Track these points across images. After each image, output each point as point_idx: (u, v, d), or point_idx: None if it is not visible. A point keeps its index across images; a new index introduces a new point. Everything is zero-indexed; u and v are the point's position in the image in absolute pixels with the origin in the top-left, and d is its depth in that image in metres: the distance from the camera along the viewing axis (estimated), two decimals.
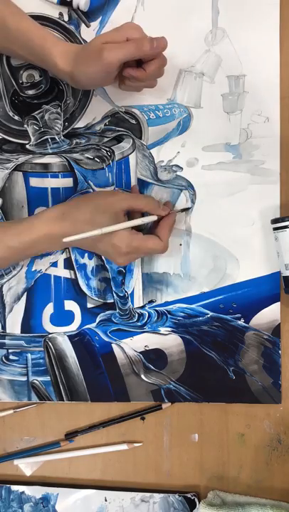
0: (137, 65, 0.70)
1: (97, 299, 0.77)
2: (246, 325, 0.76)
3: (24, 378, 0.77)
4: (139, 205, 0.70)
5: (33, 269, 0.77)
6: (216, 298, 0.76)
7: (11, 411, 0.77)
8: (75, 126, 0.78)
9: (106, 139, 0.77)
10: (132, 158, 0.77)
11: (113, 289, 0.77)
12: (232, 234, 0.76)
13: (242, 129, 0.77)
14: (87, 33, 0.77)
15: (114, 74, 0.69)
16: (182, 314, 0.76)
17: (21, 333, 0.77)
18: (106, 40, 0.66)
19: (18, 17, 0.70)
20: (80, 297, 0.77)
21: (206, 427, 0.76)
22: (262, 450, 0.76)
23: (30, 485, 0.76)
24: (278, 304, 0.76)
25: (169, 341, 0.76)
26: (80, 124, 0.78)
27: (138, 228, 0.71)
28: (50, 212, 0.69)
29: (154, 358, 0.76)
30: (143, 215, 0.72)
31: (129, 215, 0.72)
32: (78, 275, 0.77)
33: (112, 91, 0.76)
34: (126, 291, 0.77)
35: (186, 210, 0.76)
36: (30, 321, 0.77)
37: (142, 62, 0.70)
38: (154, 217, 0.72)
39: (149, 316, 0.77)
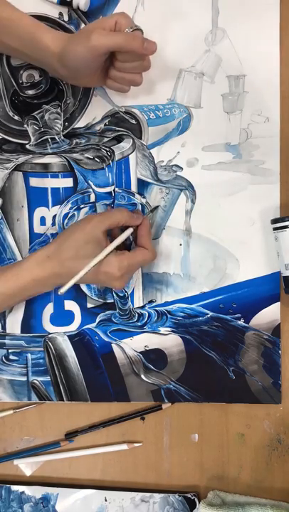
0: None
1: (97, 299, 0.77)
2: (246, 325, 0.76)
3: (24, 378, 0.77)
4: (115, 222, 0.70)
5: None
6: (216, 298, 0.76)
7: (11, 411, 0.77)
8: (75, 126, 0.78)
9: (106, 139, 0.77)
10: (132, 158, 0.77)
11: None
12: (232, 234, 0.76)
13: (242, 129, 0.77)
14: None
15: (100, 61, 0.68)
16: (182, 314, 0.76)
17: (21, 333, 0.77)
18: (98, 25, 0.67)
19: (10, 7, 0.70)
20: (80, 297, 0.77)
21: (206, 427, 0.76)
22: (262, 450, 0.76)
23: (30, 485, 0.76)
24: (278, 304, 0.76)
25: (169, 341, 0.76)
26: (80, 124, 0.78)
27: (122, 245, 0.72)
28: (35, 256, 0.69)
29: (154, 358, 0.76)
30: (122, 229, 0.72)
31: (110, 233, 0.72)
32: None
33: (112, 91, 0.76)
34: (126, 291, 0.77)
35: (154, 209, 0.76)
36: (30, 321, 0.77)
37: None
38: (130, 230, 0.72)
39: (149, 316, 0.77)
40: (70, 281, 0.67)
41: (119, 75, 0.71)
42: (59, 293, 0.67)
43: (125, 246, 0.73)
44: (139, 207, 0.77)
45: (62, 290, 0.67)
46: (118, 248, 0.70)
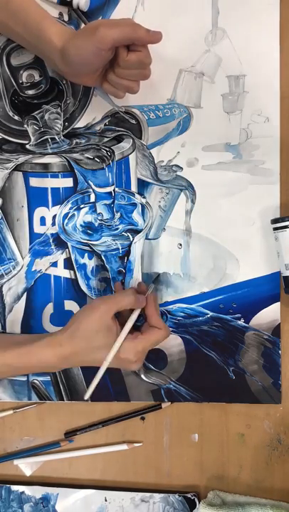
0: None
1: None
2: (246, 325, 0.76)
3: (24, 378, 0.77)
4: (122, 307, 0.69)
5: (33, 269, 0.77)
6: (216, 298, 0.76)
7: (11, 411, 0.77)
8: (75, 126, 0.78)
9: (106, 139, 0.77)
10: (132, 158, 0.77)
11: (113, 289, 0.77)
12: (232, 234, 0.76)
13: (242, 129, 0.77)
14: None
15: (104, 56, 0.67)
16: (182, 314, 0.76)
17: (21, 333, 0.77)
18: (104, 21, 0.68)
19: None
20: (80, 297, 0.77)
21: (206, 427, 0.76)
22: (262, 450, 0.76)
23: (30, 485, 0.76)
24: (278, 304, 0.76)
25: (169, 341, 0.76)
26: (80, 124, 0.78)
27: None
28: (49, 341, 0.68)
29: (154, 358, 0.76)
30: None
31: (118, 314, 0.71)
32: (78, 275, 0.77)
33: None
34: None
35: (156, 279, 0.76)
36: (30, 321, 0.77)
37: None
38: (137, 312, 0.70)
39: None
40: (92, 385, 0.68)
41: (117, 80, 0.70)
42: (85, 398, 0.68)
43: (135, 325, 0.71)
44: (139, 207, 0.77)
45: (87, 396, 0.68)
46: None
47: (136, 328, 0.71)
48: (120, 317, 0.70)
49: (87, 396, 0.69)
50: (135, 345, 0.68)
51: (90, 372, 0.75)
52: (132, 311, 0.70)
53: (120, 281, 0.77)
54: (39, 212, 0.77)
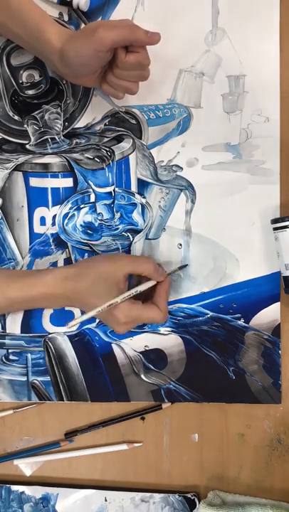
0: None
1: None
2: (246, 325, 0.76)
3: (24, 378, 0.77)
4: (139, 270, 0.70)
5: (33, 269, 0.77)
6: (216, 298, 0.76)
7: (11, 411, 0.77)
8: (75, 126, 0.78)
9: (106, 139, 0.77)
10: (132, 158, 0.77)
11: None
12: (232, 234, 0.76)
13: (242, 129, 0.77)
14: None
15: (103, 57, 0.67)
16: (182, 314, 0.76)
17: (21, 333, 0.77)
18: (102, 22, 0.68)
19: None
20: None
21: (206, 427, 0.76)
22: (262, 450, 0.76)
23: (30, 485, 0.76)
24: (278, 304, 0.76)
25: (169, 341, 0.76)
26: (80, 124, 0.78)
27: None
28: (54, 273, 0.70)
29: (154, 358, 0.76)
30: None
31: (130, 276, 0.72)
32: None
33: None
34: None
35: (183, 267, 0.76)
36: (30, 321, 0.77)
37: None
38: (153, 283, 0.71)
39: None
40: (79, 319, 0.68)
41: (116, 81, 0.70)
42: (66, 326, 0.68)
43: (140, 293, 0.71)
44: (139, 207, 0.77)
45: (70, 324, 0.68)
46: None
47: (137, 299, 0.71)
48: (131, 280, 0.71)
49: (69, 325, 0.68)
50: (131, 309, 0.69)
51: (90, 372, 0.76)
52: (143, 279, 0.71)
53: None
54: (39, 212, 0.77)
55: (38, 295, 0.70)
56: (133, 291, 0.69)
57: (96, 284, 0.68)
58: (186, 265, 0.76)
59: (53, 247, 0.77)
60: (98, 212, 0.77)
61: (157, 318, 0.70)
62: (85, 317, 0.68)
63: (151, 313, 0.70)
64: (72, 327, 0.69)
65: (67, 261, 0.77)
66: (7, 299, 0.70)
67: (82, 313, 0.72)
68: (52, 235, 0.77)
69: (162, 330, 0.76)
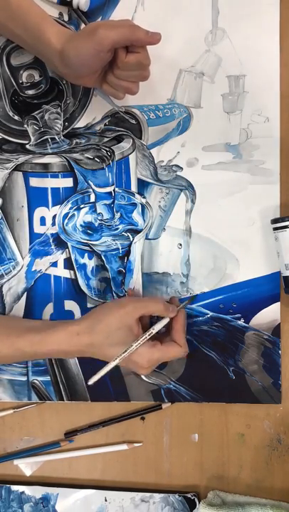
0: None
1: (97, 299, 0.77)
2: (246, 325, 0.76)
3: (24, 378, 0.77)
4: (149, 312, 0.70)
5: (33, 269, 0.77)
6: (216, 298, 0.76)
7: (11, 411, 0.77)
8: (75, 126, 0.78)
9: (106, 139, 0.77)
10: (132, 158, 0.77)
11: (113, 289, 0.77)
12: (232, 234, 0.76)
13: (242, 129, 0.77)
14: None
15: (103, 58, 0.67)
16: None
17: None
18: (103, 22, 0.68)
19: None
20: (80, 297, 0.77)
21: (206, 427, 0.76)
22: (262, 450, 0.76)
23: (30, 485, 0.76)
24: (278, 304, 0.76)
25: None
26: (80, 124, 0.78)
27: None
28: (65, 329, 0.69)
29: None
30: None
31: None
32: (78, 275, 0.77)
33: None
34: (126, 291, 0.77)
35: (193, 297, 0.76)
36: None
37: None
38: (166, 320, 0.71)
39: None
40: (101, 372, 0.68)
41: (116, 82, 0.70)
42: (89, 383, 0.68)
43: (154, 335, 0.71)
44: (139, 207, 0.77)
45: (91, 382, 0.68)
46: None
47: (154, 337, 0.71)
48: (142, 322, 0.71)
49: (91, 382, 0.68)
50: (152, 353, 0.69)
51: (90, 372, 0.75)
52: (155, 318, 0.71)
53: (121, 281, 0.77)
54: (39, 212, 0.77)
55: (51, 352, 0.69)
56: (147, 335, 0.69)
57: (110, 336, 0.68)
58: (196, 295, 0.76)
59: (53, 247, 0.77)
60: (98, 212, 0.77)
61: (179, 355, 0.70)
62: (105, 370, 0.68)
63: (172, 352, 0.70)
64: (94, 381, 0.69)
65: (67, 261, 0.77)
66: (19, 350, 0.69)
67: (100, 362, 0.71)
68: (52, 235, 0.77)
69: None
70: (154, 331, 0.70)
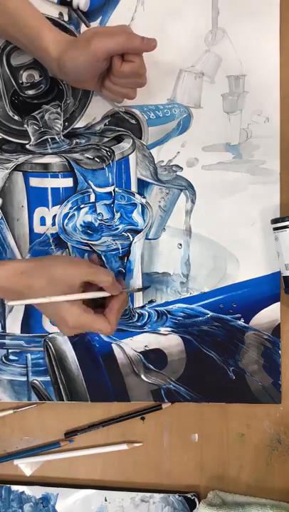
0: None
1: None
2: (246, 325, 0.76)
3: (24, 378, 0.77)
4: (97, 281, 0.69)
5: None
6: (216, 298, 0.76)
7: (11, 411, 0.77)
8: (75, 126, 0.78)
9: (106, 139, 0.77)
10: (132, 158, 0.77)
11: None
12: (232, 234, 0.76)
13: (242, 129, 0.77)
14: None
15: (100, 66, 0.68)
16: (182, 314, 0.76)
17: (21, 333, 0.77)
18: (98, 30, 0.67)
19: None
20: None
21: (206, 427, 0.76)
22: (262, 450, 0.76)
23: (30, 485, 0.76)
24: (278, 304, 0.76)
25: (169, 341, 0.76)
26: (80, 124, 0.78)
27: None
28: (11, 266, 0.68)
29: (154, 358, 0.76)
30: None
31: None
32: None
33: None
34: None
35: (141, 290, 0.75)
36: (30, 321, 0.77)
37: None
38: (105, 294, 0.70)
39: (149, 316, 0.77)
40: (24, 301, 0.67)
41: (113, 88, 0.71)
42: (6, 304, 0.67)
43: (95, 301, 0.71)
44: (139, 207, 0.77)
45: (11, 303, 0.67)
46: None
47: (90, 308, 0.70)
48: (88, 290, 0.69)
49: (10, 303, 0.67)
50: (80, 315, 0.67)
51: (90, 372, 0.76)
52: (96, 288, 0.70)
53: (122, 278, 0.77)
54: (39, 212, 0.77)
55: None
56: (82, 296, 0.68)
57: (50, 284, 0.66)
58: (148, 287, 0.76)
59: (53, 247, 0.77)
60: (98, 212, 0.77)
61: (105, 331, 0.69)
62: (29, 301, 0.66)
63: (98, 326, 0.68)
64: (14, 304, 0.68)
65: None
66: None
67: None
68: (52, 235, 0.77)
69: (162, 330, 0.76)
70: (89, 296, 0.68)
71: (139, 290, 0.76)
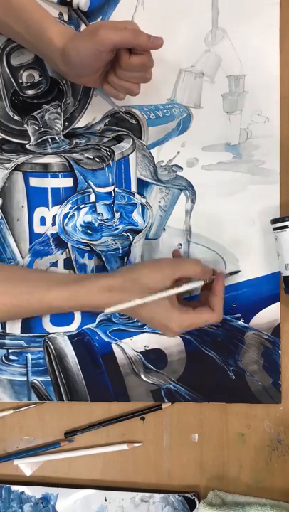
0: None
1: None
2: (246, 325, 0.76)
3: (24, 378, 0.77)
4: (186, 274, 0.68)
5: None
6: None
7: (11, 411, 0.77)
8: (75, 126, 0.78)
9: (106, 139, 0.77)
10: (132, 158, 0.77)
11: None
12: (232, 234, 0.76)
13: (242, 129, 0.77)
14: None
15: (104, 58, 0.67)
16: None
17: (21, 333, 0.77)
18: (105, 22, 0.68)
19: None
20: None
21: (206, 427, 0.76)
22: (262, 450, 0.76)
23: (30, 485, 0.76)
24: (278, 304, 0.76)
25: (169, 341, 0.76)
26: (80, 124, 0.78)
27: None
28: (97, 283, 0.68)
29: (154, 358, 0.76)
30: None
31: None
32: None
33: None
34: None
35: (235, 273, 0.75)
36: (30, 321, 0.77)
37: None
38: (201, 283, 0.69)
39: None
40: (121, 306, 0.66)
41: (118, 82, 0.70)
42: (105, 311, 0.66)
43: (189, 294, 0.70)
44: (139, 207, 0.77)
45: (108, 310, 0.66)
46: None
47: (187, 304, 0.70)
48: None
49: (108, 310, 0.66)
50: (183, 319, 0.67)
51: (90, 372, 0.76)
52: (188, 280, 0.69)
53: None
54: (39, 212, 0.77)
55: (79, 306, 0.69)
56: (179, 290, 0.66)
57: (142, 294, 0.67)
58: (239, 271, 0.75)
59: (53, 247, 0.77)
60: (98, 212, 0.77)
61: (212, 320, 0.68)
62: (128, 305, 0.66)
63: (204, 318, 0.68)
64: (111, 311, 0.67)
65: (67, 261, 0.77)
66: (46, 305, 0.68)
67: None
68: (52, 235, 0.77)
69: None
70: (186, 288, 0.67)
71: (231, 274, 0.75)
